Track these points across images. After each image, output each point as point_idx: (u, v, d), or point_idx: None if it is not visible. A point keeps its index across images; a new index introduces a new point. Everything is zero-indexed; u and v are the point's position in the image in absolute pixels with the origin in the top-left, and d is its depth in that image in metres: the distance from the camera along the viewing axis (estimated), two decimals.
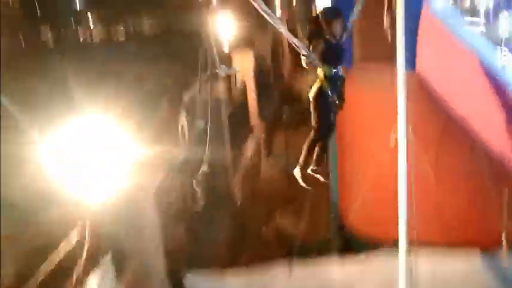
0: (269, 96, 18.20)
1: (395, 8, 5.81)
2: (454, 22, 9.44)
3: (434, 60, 7.86)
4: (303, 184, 6.29)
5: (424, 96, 7.49)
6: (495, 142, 7.72)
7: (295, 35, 5.80)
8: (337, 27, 6.00)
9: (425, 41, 7.68)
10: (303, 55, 5.67)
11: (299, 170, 6.34)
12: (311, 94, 6.13)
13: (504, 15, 18.94)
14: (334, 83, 6.09)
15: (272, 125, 16.44)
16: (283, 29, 5.07)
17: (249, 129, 14.84)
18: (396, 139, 5.90)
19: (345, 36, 5.97)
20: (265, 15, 4.39)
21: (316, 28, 5.90)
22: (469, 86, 7.92)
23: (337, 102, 6.11)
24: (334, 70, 6.11)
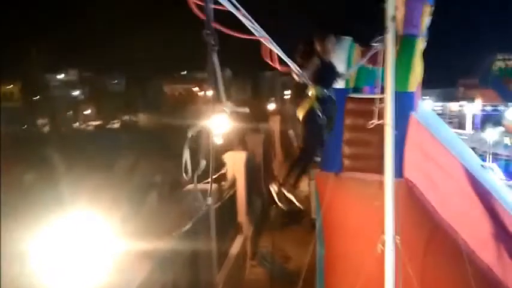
0: (258, 195, 18.30)
1: (385, 118, 6.11)
2: (441, 130, 9.81)
3: (423, 169, 8.05)
4: (278, 202, 6.11)
5: (411, 204, 7.59)
6: (482, 253, 7.70)
7: None
8: (329, 46, 6.18)
9: (413, 148, 7.91)
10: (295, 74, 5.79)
11: (276, 187, 6.18)
12: (300, 113, 6.12)
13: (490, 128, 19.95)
14: (325, 103, 6.12)
15: (259, 224, 16.36)
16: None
17: (236, 226, 14.73)
18: (382, 248, 5.91)
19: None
20: None
21: (310, 47, 6.08)
22: (456, 194, 8.05)
23: (326, 123, 6.10)
24: (325, 91, 6.16)
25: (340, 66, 8.42)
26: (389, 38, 6.01)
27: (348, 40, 8.47)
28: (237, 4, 3.46)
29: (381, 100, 6.51)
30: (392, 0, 6.40)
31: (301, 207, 6.75)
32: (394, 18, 6.78)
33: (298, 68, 5.85)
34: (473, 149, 18.53)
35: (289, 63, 5.43)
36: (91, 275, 4.82)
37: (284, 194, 6.26)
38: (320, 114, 6.02)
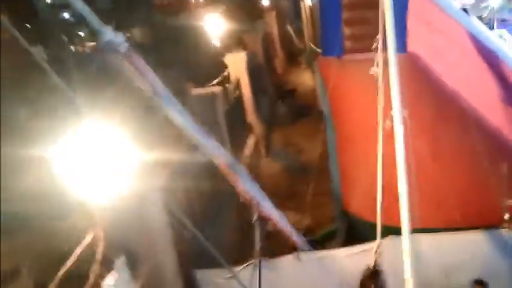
0: (264, 92, 18.33)
1: None
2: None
3: (427, 39, 7.88)
4: None
5: (417, 77, 7.53)
6: (492, 117, 7.75)
7: None
8: None
9: (415, 20, 7.70)
10: None
11: None
12: None
13: None
14: None
15: (269, 121, 16.55)
16: None
17: (246, 127, 14.94)
18: (391, 123, 5.96)
19: None
20: None
21: None
22: (463, 62, 7.95)
23: None
24: None
25: None
26: None
27: None
28: None
29: None
30: None
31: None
32: None
33: None
34: (479, 18, 17.96)
35: None
36: (114, 181, 5.00)
37: None
38: None
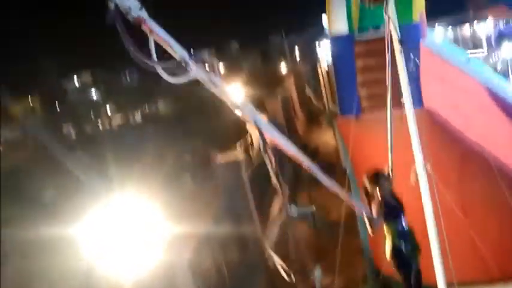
0: (287, 156, 18.44)
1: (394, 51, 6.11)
2: (454, 54, 9.69)
3: (441, 94, 8.03)
4: None
5: (437, 130, 7.59)
6: None
7: None
8: (385, 186, 6.13)
9: (428, 76, 7.87)
10: (369, 222, 5.84)
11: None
12: (388, 254, 6.20)
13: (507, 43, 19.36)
14: (404, 236, 6.15)
15: (293, 182, 16.56)
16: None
17: (271, 190, 14.97)
18: (416, 178, 5.95)
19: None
20: None
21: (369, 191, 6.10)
22: (481, 112, 8.01)
23: (411, 253, 6.12)
24: (399, 224, 6.19)
25: (341, 11, 8.41)
26: None
27: None
28: None
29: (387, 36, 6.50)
30: None
31: None
32: None
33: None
34: (494, 69, 18.13)
35: None
36: (144, 254, 5.08)
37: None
38: (403, 249, 6.04)
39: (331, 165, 18.56)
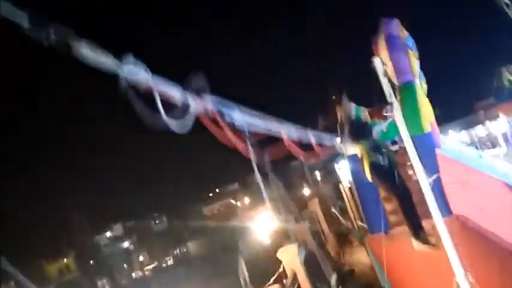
0: (322, 280, 17.78)
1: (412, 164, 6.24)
2: (471, 156, 9.74)
3: (467, 199, 7.95)
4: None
5: (470, 236, 7.40)
6: None
7: None
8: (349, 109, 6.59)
9: (451, 183, 7.88)
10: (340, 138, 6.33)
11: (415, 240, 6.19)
12: (368, 175, 6.34)
13: None
14: (378, 150, 6.39)
15: None
16: None
17: None
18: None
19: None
20: None
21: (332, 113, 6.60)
22: (508, 211, 7.85)
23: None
24: (371, 140, 6.49)
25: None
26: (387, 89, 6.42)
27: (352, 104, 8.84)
28: None
29: (402, 149, 6.70)
30: (378, 60, 6.84)
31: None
32: (386, 73, 7.21)
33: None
34: None
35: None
36: None
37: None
38: (382, 162, 6.39)
39: (369, 285, 17.80)
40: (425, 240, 6.67)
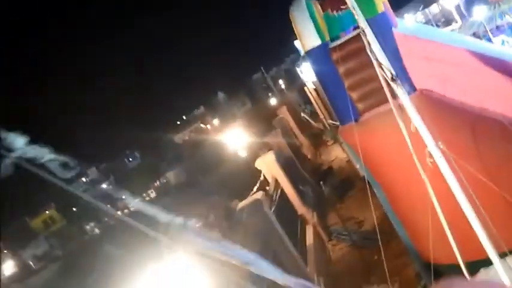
0: (303, 181, 18.37)
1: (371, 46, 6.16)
2: (428, 31, 9.72)
3: (430, 72, 7.99)
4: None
5: (438, 108, 7.52)
6: None
7: None
8: None
9: (411, 59, 7.86)
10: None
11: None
12: None
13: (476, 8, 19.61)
14: None
15: (318, 206, 16.39)
16: None
17: (300, 220, 14.79)
18: (433, 161, 5.85)
19: None
20: None
21: None
22: (473, 76, 7.95)
23: None
24: None
25: (308, 27, 8.52)
26: None
27: (301, 0, 8.54)
28: None
29: (360, 35, 6.57)
30: None
31: None
32: None
33: None
34: (473, 34, 18.22)
35: None
36: None
37: None
38: None
39: (350, 178, 18.51)
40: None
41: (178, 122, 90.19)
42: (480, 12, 18.36)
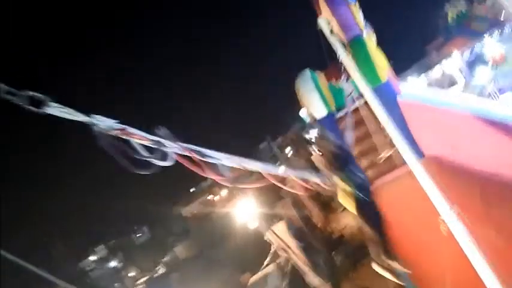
0: (315, 251, 17.97)
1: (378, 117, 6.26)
2: (432, 96, 9.85)
3: (437, 138, 8.05)
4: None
5: (447, 174, 7.50)
6: None
7: None
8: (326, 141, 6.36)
9: (417, 126, 7.95)
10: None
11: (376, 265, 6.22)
12: (355, 211, 6.19)
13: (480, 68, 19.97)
14: (363, 187, 6.21)
15: (332, 275, 15.92)
16: None
17: None
18: (446, 225, 5.78)
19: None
20: None
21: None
22: (482, 142, 7.97)
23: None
24: (350, 172, 6.31)
25: (314, 97, 8.71)
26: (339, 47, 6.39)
27: (305, 72, 8.77)
28: None
29: (365, 104, 6.71)
30: (323, 19, 6.79)
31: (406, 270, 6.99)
32: (332, 31, 7.19)
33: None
34: (479, 94, 18.39)
35: None
36: None
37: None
38: (365, 198, 6.20)
39: (362, 245, 18.05)
40: (385, 266, 6.69)
41: (192, 190, 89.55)
42: (482, 74, 18.69)
